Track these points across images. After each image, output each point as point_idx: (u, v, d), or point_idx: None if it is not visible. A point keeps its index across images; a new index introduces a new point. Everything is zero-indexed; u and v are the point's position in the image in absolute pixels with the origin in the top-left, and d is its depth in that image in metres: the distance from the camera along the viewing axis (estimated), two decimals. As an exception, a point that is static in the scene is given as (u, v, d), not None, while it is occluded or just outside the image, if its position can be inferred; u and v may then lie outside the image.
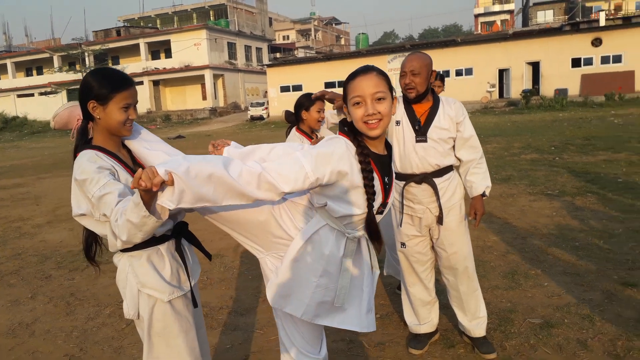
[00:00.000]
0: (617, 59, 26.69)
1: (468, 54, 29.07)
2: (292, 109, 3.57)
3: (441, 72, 4.16)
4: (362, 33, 40.02)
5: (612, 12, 36.99)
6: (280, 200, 1.80)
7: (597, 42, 27.14)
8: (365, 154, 1.73)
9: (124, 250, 1.89)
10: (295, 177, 1.62)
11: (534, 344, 2.93)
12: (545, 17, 53.09)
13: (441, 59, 29.21)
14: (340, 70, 31.41)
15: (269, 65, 34.55)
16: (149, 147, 2.00)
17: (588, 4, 46.75)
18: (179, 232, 1.99)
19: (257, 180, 1.60)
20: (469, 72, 29.10)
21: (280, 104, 32.59)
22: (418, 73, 2.69)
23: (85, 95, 1.86)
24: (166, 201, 1.53)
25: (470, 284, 2.90)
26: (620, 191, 6.48)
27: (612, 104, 23.34)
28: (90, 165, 1.78)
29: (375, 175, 1.77)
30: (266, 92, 36.60)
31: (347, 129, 1.80)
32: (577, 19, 35.10)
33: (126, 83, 1.88)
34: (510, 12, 56.75)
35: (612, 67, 26.64)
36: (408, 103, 2.80)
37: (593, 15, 37.46)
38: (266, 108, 33.64)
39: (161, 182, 1.46)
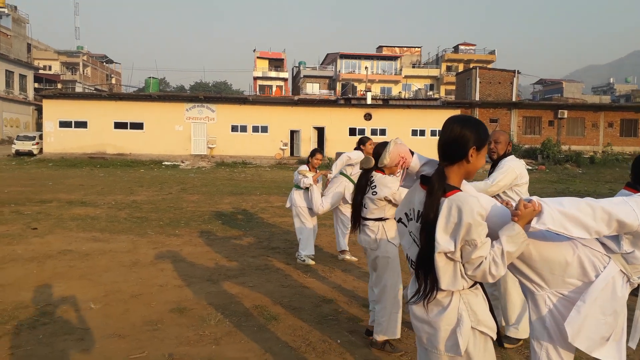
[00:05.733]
0: (383, 132, 32.13)
1: (263, 113, 30.98)
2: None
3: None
4: (152, 77, 38.61)
5: (363, 92, 44.42)
6: (581, 246, 2.11)
7: (368, 117, 32.24)
8: None
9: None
10: (627, 215, 1.98)
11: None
12: (313, 88, 60.39)
13: (238, 115, 30.48)
14: (130, 111, 29.48)
15: (45, 97, 30.23)
16: None
17: (355, 83, 55.08)
18: None
19: (596, 212, 1.93)
20: (264, 129, 30.93)
21: (58, 139, 28.59)
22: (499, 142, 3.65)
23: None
24: (539, 224, 1.85)
25: None
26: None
27: (383, 169, 27.67)
28: (482, 210, 1.85)
29: None
30: (40, 124, 31.85)
31: None
32: (349, 95, 41.08)
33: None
34: (284, 79, 62.70)
35: (380, 139, 31.33)
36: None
37: (360, 93, 44.34)
38: (37, 143, 29.18)
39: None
